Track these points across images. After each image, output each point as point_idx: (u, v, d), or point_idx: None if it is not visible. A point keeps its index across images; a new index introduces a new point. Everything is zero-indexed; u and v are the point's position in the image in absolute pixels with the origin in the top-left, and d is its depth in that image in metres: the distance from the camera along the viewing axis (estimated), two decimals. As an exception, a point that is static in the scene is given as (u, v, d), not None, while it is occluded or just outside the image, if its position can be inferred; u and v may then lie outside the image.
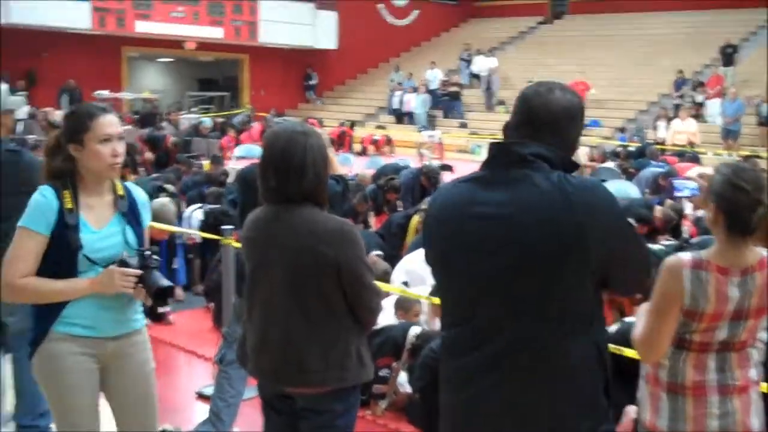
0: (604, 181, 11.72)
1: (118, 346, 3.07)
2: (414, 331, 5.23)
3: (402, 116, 26.84)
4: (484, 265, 2.24)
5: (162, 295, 2.98)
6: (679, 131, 19.16)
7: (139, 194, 3.20)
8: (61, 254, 2.93)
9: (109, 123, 3.02)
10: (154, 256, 3.01)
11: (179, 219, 8.36)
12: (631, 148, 16.99)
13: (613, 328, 4.44)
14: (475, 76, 27.76)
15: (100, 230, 3.01)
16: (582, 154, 14.25)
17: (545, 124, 2.28)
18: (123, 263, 2.95)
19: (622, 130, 22.08)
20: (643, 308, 2.68)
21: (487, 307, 2.25)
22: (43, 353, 2.99)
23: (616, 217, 2.25)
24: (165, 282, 2.98)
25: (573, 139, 2.35)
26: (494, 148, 2.36)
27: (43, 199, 2.96)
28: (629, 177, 12.35)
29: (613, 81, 24.75)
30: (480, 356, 2.25)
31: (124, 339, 3.10)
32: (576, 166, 2.33)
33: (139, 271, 2.94)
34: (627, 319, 4.80)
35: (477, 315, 2.27)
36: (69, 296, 2.95)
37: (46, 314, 2.98)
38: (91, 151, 2.97)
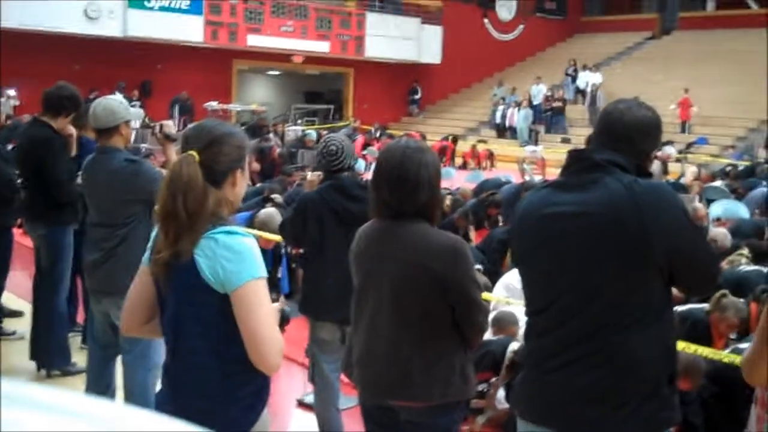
0: (712, 200, 11.42)
1: None
2: (513, 346, 5.21)
3: (504, 131, 26.74)
4: (556, 260, 2.48)
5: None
6: (793, 151, 18.45)
7: None
8: None
9: None
10: None
11: (284, 229, 8.52)
12: (740, 167, 16.44)
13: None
14: (580, 92, 27.44)
15: None
16: (689, 173, 13.98)
17: (620, 136, 2.50)
18: None
19: (732, 147, 21.42)
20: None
21: (559, 299, 2.47)
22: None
23: (679, 216, 2.42)
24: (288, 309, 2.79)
25: (647, 152, 2.56)
26: (571, 155, 2.61)
27: (255, 243, 2.48)
28: (738, 197, 11.97)
29: (723, 98, 24.06)
30: (551, 341, 2.48)
31: None
32: (649, 174, 2.53)
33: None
34: (741, 345, 4.69)
35: (550, 305, 2.50)
36: None
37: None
38: (245, 179, 2.61)
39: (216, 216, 2.44)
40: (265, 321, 2.38)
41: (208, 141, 2.51)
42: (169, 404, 2.50)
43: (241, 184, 2.57)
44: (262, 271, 2.41)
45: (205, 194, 2.42)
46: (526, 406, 2.59)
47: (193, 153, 2.46)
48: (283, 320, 2.64)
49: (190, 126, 2.79)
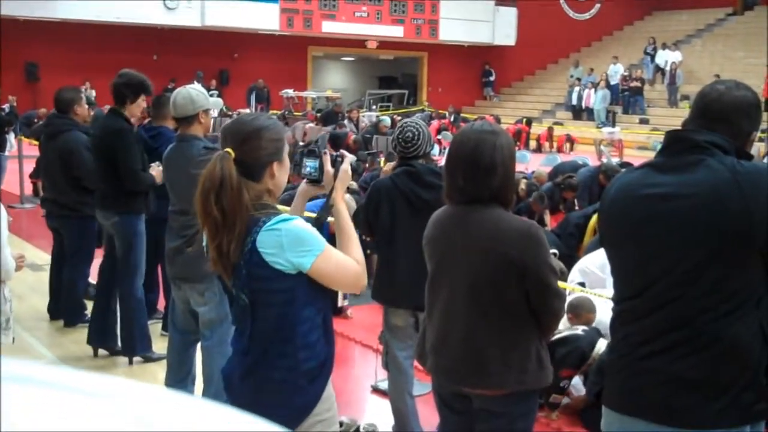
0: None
1: None
2: (601, 346, 5.02)
3: (580, 112, 26.32)
4: (652, 243, 2.40)
5: None
6: None
7: None
8: None
9: None
10: None
11: (359, 215, 8.55)
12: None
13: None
14: (660, 71, 26.82)
15: None
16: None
17: (718, 117, 2.44)
18: None
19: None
20: None
21: (654, 283, 2.39)
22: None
23: None
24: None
25: (747, 132, 2.48)
26: (670, 136, 2.54)
27: (305, 222, 2.64)
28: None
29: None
30: (643, 327, 2.41)
31: None
32: (750, 156, 2.45)
33: None
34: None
35: (644, 290, 2.42)
36: None
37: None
38: (285, 166, 2.72)
39: (263, 207, 2.55)
40: (344, 271, 2.61)
41: (243, 137, 2.59)
42: (241, 373, 2.69)
43: (281, 175, 2.67)
44: (323, 242, 2.57)
45: (239, 191, 2.50)
46: (614, 394, 2.53)
47: (229, 150, 2.55)
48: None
49: (227, 122, 2.86)
